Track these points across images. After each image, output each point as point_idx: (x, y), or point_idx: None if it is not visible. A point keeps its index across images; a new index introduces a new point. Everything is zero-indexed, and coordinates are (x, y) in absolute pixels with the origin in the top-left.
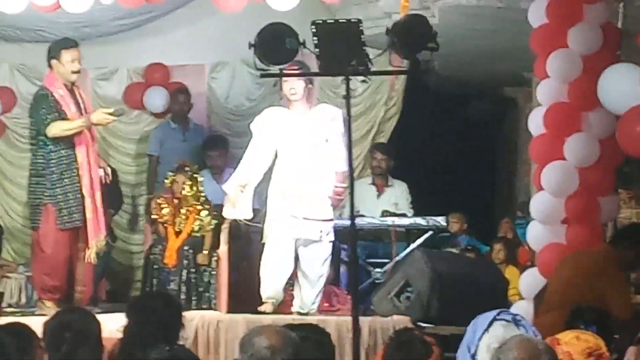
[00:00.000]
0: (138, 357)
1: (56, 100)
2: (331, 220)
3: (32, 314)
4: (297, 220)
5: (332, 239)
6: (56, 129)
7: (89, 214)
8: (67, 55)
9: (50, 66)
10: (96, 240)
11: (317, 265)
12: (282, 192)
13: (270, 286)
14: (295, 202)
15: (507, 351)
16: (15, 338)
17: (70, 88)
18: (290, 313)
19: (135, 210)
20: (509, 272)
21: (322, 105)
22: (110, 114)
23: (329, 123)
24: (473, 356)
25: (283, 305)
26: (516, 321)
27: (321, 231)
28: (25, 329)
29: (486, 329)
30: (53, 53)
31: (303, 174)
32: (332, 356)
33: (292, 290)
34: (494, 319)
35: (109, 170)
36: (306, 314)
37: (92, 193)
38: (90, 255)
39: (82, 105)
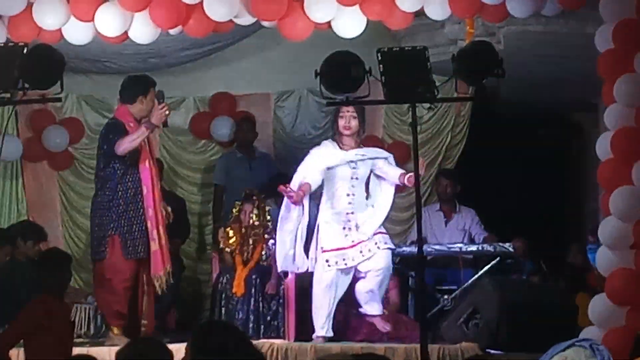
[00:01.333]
0: None
1: (125, 128)
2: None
3: (102, 344)
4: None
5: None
6: (123, 145)
7: (154, 246)
8: (152, 93)
9: (131, 102)
10: (162, 272)
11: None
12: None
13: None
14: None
15: None
16: None
17: (139, 122)
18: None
19: (203, 239)
20: (580, 298)
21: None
22: (160, 104)
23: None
24: None
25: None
26: (593, 348)
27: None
28: None
29: (561, 351)
30: (142, 91)
31: (350, 205)
32: None
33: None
34: (572, 344)
35: (169, 209)
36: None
37: (156, 225)
38: (158, 287)
39: (147, 140)
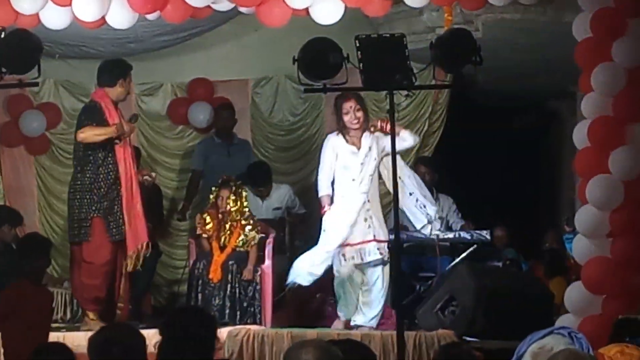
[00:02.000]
0: None
1: (102, 110)
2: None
3: (78, 329)
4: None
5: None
6: (87, 133)
7: (126, 227)
8: (130, 77)
9: (111, 85)
10: (134, 251)
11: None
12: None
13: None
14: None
15: None
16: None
17: (116, 105)
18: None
19: (178, 225)
20: (556, 283)
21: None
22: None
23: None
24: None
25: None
26: (572, 335)
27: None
28: (66, 350)
29: (539, 338)
30: (122, 74)
31: (362, 199)
32: None
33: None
34: (550, 332)
35: (154, 174)
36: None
37: (129, 207)
38: (129, 265)
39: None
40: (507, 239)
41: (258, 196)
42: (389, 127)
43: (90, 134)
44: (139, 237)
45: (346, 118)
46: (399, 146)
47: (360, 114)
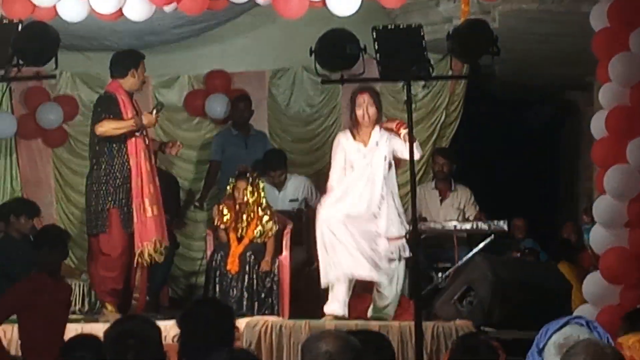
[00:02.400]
0: None
1: (118, 102)
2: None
3: (96, 320)
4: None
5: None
6: (106, 127)
7: (136, 219)
8: (142, 66)
9: (122, 75)
10: (139, 247)
11: None
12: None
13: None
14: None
15: (575, 355)
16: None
17: (131, 96)
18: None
19: (196, 217)
20: (561, 267)
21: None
22: (155, 111)
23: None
24: (540, 352)
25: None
26: (590, 325)
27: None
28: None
29: (558, 329)
30: (133, 64)
31: (374, 195)
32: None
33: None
34: (568, 322)
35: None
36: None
37: (138, 201)
38: (139, 259)
39: (138, 113)
40: (526, 229)
41: (274, 186)
42: (403, 130)
43: (109, 128)
44: (147, 233)
45: (358, 112)
46: (404, 155)
47: (372, 110)
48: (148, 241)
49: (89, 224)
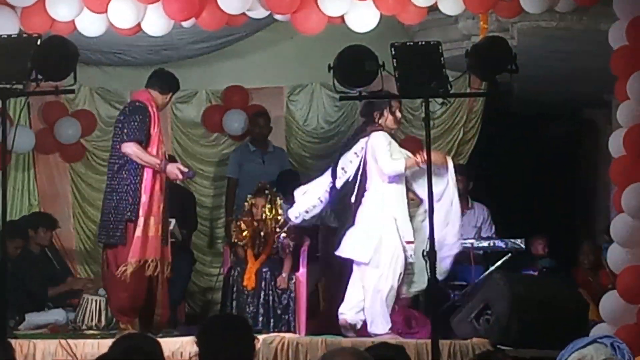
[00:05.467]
0: None
1: (150, 116)
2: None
3: (113, 336)
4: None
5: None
6: (132, 151)
7: (137, 232)
8: (174, 93)
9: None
10: (133, 260)
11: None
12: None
13: None
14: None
15: None
16: None
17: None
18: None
19: (214, 233)
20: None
21: None
22: (183, 173)
23: None
24: None
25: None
26: (614, 346)
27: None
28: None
29: (581, 347)
30: (174, 88)
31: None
32: None
33: None
34: (593, 341)
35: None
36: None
37: (146, 214)
38: (122, 274)
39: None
40: (546, 248)
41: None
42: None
43: (134, 155)
44: (147, 250)
45: (399, 115)
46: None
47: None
48: (137, 258)
49: (105, 233)
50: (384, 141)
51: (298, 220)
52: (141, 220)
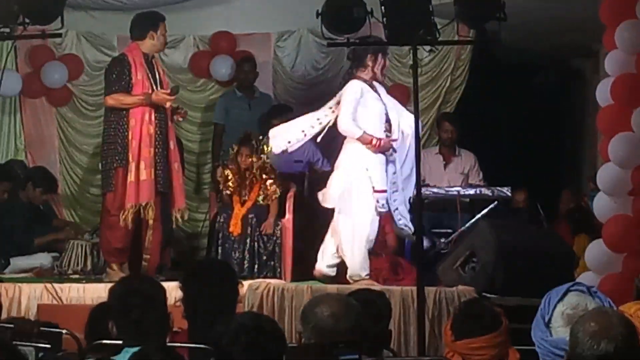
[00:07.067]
0: (202, 327)
1: (129, 64)
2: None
3: (99, 280)
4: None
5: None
6: (114, 100)
7: (129, 178)
8: (162, 28)
9: (141, 37)
10: (129, 205)
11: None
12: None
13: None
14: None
15: (583, 322)
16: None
17: (149, 59)
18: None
19: (200, 179)
20: (581, 240)
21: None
22: (169, 94)
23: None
24: (547, 324)
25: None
26: (591, 292)
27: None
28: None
29: (560, 299)
30: (151, 26)
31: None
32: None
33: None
34: (568, 290)
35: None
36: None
37: (137, 158)
38: (122, 220)
39: (157, 77)
40: (527, 201)
41: None
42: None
43: (118, 102)
44: (140, 195)
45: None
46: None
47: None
48: (132, 203)
49: (101, 183)
50: (354, 95)
51: (280, 151)
52: (132, 166)
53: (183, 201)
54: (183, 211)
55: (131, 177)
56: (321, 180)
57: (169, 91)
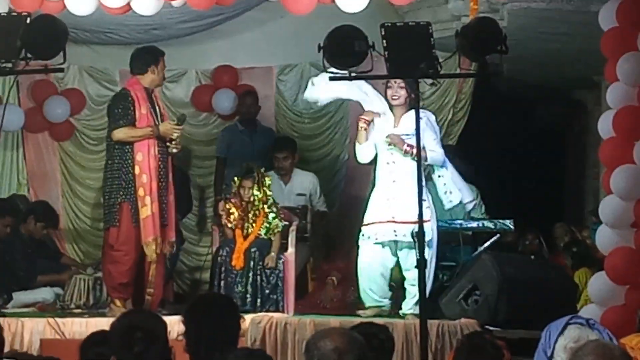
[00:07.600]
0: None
1: (132, 99)
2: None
3: (102, 315)
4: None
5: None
6: (122, 134)
7: (145, 213)
8: (162, 63)
9: (142, 72)
10: (151, 239)
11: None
12: (384, 195)
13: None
14: (396, 205)
15: (584, 356)
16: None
17: (150, 93)
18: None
19: (203, 212)
20: (583, 274)
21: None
22: (176, 124)
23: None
24: (550, 358)
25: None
26: (590, 325)
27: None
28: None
29: (561, 332)
30: (152, 60)
31: (402, 177)
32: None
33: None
34: (567, 323)
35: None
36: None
37: (149, 192)
38: (149, 256)
39: (157, 110)
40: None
41: (280, 174)
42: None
43: (126, 136)
44: (145, 232)
45: (389, 92)
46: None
47: (403, 92)
48: (153, 237)
49: (103, 218)
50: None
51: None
52: (147, 199)
53: (173, 234)
54: (173, 243)
55: (147, 211)
56: (320, 223)
57: (175, 122)
